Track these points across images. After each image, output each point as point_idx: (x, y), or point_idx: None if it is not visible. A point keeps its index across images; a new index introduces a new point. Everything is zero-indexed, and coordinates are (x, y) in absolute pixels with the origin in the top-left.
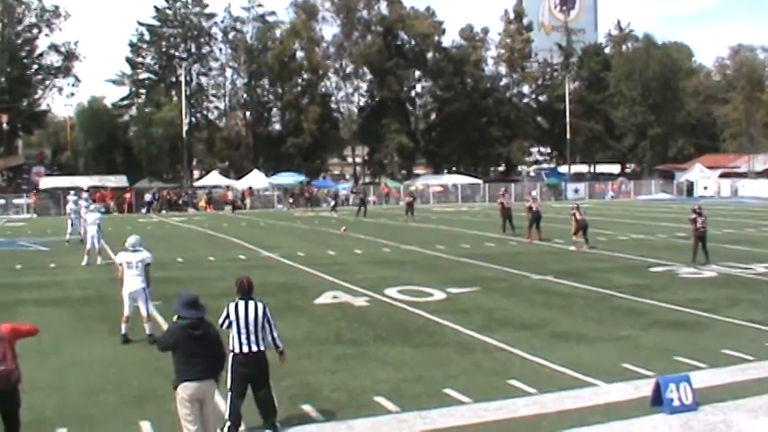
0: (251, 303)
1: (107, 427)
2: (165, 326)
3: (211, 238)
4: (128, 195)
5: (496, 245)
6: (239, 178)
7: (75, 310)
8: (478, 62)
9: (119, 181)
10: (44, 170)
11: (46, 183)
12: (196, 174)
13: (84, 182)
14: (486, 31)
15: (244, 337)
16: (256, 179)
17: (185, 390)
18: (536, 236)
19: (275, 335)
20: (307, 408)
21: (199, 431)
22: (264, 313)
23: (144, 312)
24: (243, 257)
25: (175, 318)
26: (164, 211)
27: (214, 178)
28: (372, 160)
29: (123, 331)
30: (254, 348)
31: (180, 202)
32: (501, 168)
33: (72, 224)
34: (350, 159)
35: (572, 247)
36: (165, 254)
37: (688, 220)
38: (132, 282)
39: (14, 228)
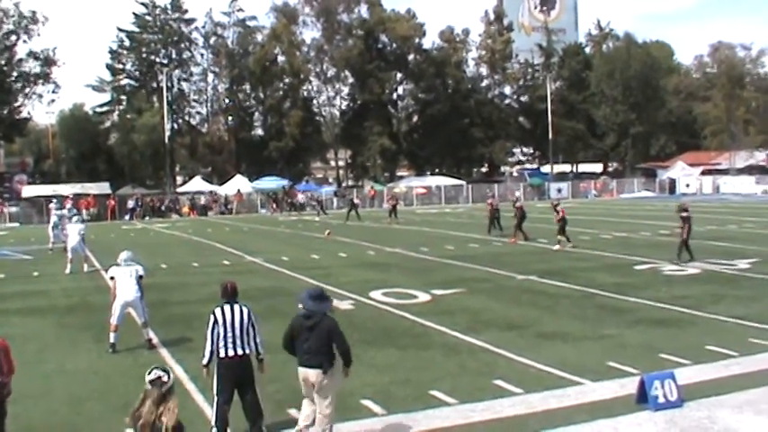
0: (236, 307)
1: None
2: (150, 333)
3: (195, 244)
4: (111, 202)
5: (480, 246)
6: (222, 183)
7: (60, 319)
8: (459, 63)
9: (101, 188)
10: (26, 178)
11: (28, 191)
12: (179, 179)
13: (67, 189)
14: (466, 32)
15: (230, 340)
16: (239, 184)
17: (299, 374)
18: (521, 237)
19: (258, 341)
20: (293, 412)
21: (314, 409)
22: (249, 317)
23: (140, 320)
24: (227, 263)
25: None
26: (147, 218)
27: (197, 184)
28: (355, 163)
29: (112, 340)
30: (240, 352)
31: (163, 208)
32: (484, 169)
33: (54, 233)
34: (333, 163)
35: (555, 246)
36: (149, 260)
37: (680, 218)
38: (127, 292)
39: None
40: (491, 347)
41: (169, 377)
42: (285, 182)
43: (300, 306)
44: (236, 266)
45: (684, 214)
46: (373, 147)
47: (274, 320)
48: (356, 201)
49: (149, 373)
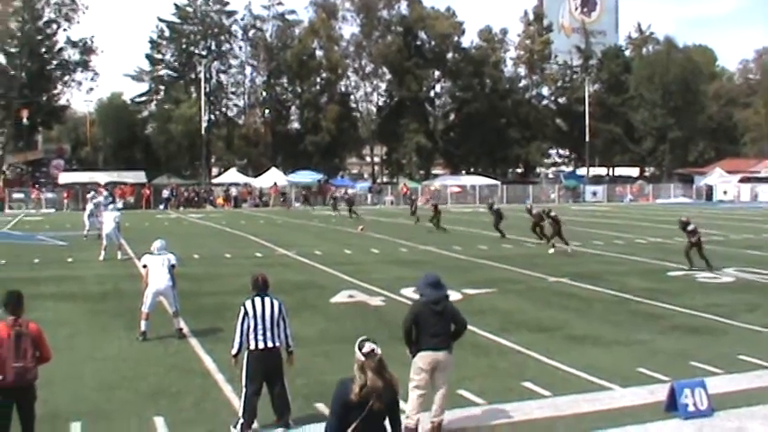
0: (267, 300)
1: (121, 422)
2: (181, 323)
3: (228, 236)
4: (146, 191)
5: (514, 246)
6: (257, 176)
7: (92, 306)
8: (498, 63)
9: (137, 177)
10: (63, 165)
11: (65, 178)
12: (214, 171)
13: (103, 177)
14: (504, 32)
15: (260, 333)
16: (274, 177)
17: (423, 359)
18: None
19: (288, 333)
20: (320, 406)
21: (426, 396)
22: (280, 310)
23: (171, 309)
24: (259, 255)
25: (418, 295)
26: (181, 208)
27: (232, 176)
28: (390, 160)
29: (143, 328)
30: (270, 344)
31: (197, 198)
32: (519, 170)
33: (90, 221)
34: (368, 159)
35: (551, 250)
36: (183, 250)
37: (687, 234)
38: (159, 280)
39: (33, 222)
40: (521, 349)
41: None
42: (320, 176)
43: (420, 294)
44: (268, 259)
45: (691, 227)
46: (409, 144)
47: (305, 314)
48: (413, 197)
49: (362, 347)
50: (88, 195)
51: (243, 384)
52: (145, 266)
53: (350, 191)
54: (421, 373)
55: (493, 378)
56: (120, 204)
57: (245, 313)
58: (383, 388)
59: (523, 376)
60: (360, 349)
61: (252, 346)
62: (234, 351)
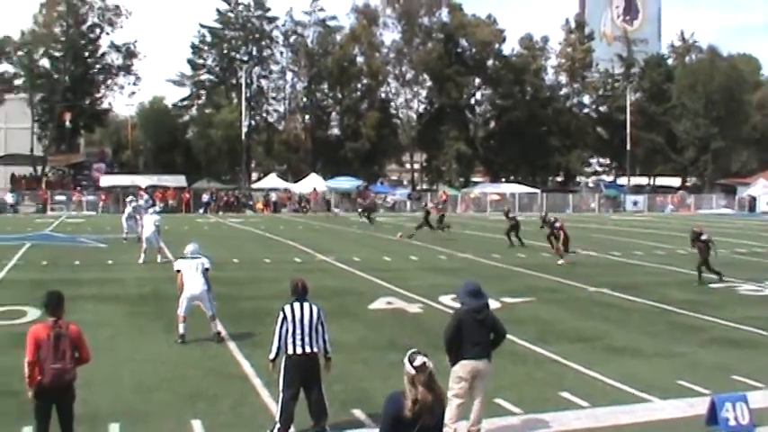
0: (306, 305)
1: (159, 424)
2: (219, 326)
3: (267, 241)
4: (186, 195)
5: (552, 255)
6: (297, 181)
7: (132, 308)
8: (538, 71)
9: (177, 181)
10: (104, 168)
11: (106, 181)
12: (254, 176)
13: (144, 181)
14: (546, 40)
15: (298, 338)
16: (314, 183)
17: (463, 368)
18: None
19: (326, 339)
20: (357, 412)
21: (464, 405)
22: (319, 316)
23: (209, 313)
24: (298, 260)
25: (459, 303)
26: (221, 212)
27: (272, 181)
28: (430, 167)
29: (181, 331)
30: (308, 350)
31: (237, 203)
32: (559, 178)
33: (128, 224)
34: (408, 166)
35: (561, 261)
36: (221, 254)
37: (698, 246)
38: (195, 285)
39: (74, 224)
40: (559, 359)
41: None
42: (360, 182)
43: (461, 303)
44: (307, 264)
45: (704, 237)
46: (449, 151)
47: (343, 320)
48: (430, 205)
49: (413, 361)
50: (127, 199)
51: (280, 389)
52: (179, 271)
53: (371, 197)
54: (461, 381)
55: (530, 387)
56: (158, 208)
57: (284, 318)
58: (434, 402)
59: (561, 386)
60: (411, 362)
61: (290, 351)
62: (272, 356)
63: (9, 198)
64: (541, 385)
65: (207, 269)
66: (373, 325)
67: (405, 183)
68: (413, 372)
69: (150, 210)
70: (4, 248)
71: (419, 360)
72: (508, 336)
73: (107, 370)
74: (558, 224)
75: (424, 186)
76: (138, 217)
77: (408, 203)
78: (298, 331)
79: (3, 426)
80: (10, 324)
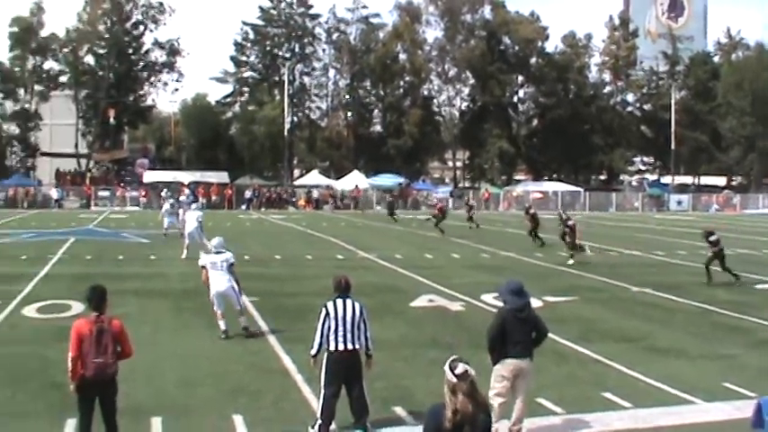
0: (348, 302)
1: (201, 419)
2: (261, 322)
3: (309, 237)
4: (228, 191)
5: (595, 254)
6: (339, 178)
7: (175, 303)
8: (582, 69)
9: (220, 177)
10: (148, 164)
11: (149, 176)
12: (296, 172)
13: (187, 177)
14: (589, 37)
15: (340, 334)
16: (356, 180)
17: (506, 367)
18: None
19: (368, 336)
20: (399, 410)
21: (506, 404)
22: (361, 312)
23: (237, 307)
24: (340, 257)
25: (501, 302)
26: (263, 209)
27: (314, 177)
28: (473, 165)
29: (223, 327)
30: (350, 347)
31: (279, 199)
32: (602, 177)
33: (168, 219)
34: (450, 163)
35: (570, 261)
36: (264, 251)
37: (710, 243)
38: (219, 282)
39: (118, 219)
40: (602, 358)
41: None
42: (402, 180)
43: (503, 301)
44: (349, 261)
45: (713, 238)
46: (492, 149)
47: (385, 318)
48: (471, 203)
49: (454, 368)
50: (162, 194)
51: (321, 385)
52: (203, 267)
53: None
54: (503, 380)
55: (572, 387)
56: (199, 204)
57: (327, 314)
58: (476, 412)
59: (604, 386)
60: (452, 370)
61: (332, 348)
62: (313, 352)
63: (54, 193)
64: (583, 385)
65: (232, 264)
66: (415, 322)
67: (447, 180)
68: (454, 380)
69: (192, 206)
70: (50, 243)
71: (461, 368)
72: (550, 335)
73: (149, 364)
74: (570, 222)
75: (467, 184)
76: (178, 212)
77: (451, 201)
78: (340, 328)
79: (48, 417)
80: (55, 318)
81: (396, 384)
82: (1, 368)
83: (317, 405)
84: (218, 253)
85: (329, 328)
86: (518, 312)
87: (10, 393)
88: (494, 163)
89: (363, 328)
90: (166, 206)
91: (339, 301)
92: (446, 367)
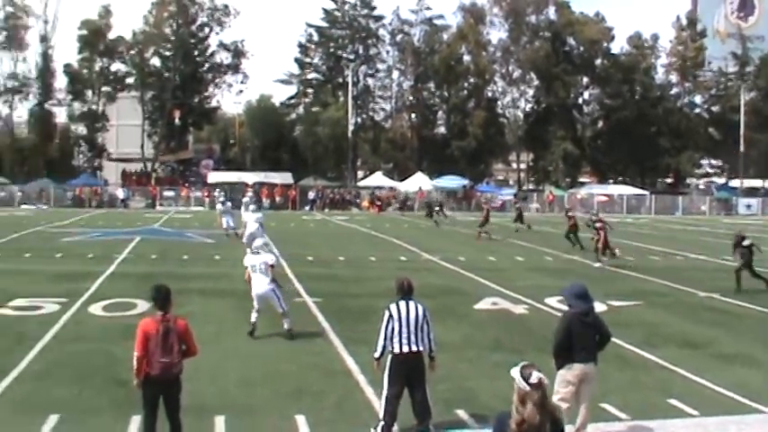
0: (411, 304)
1: (263, 419)
2: (324, 323)
3: (373, 239)
4: (292, 192)
5: (661, 258)
6: (403, 180)
7: (238, 303)
8: (648, 70)
9: (284, 178)
10: (212, 164)
11: (214, 177)
12: (360, 174)
13: (251, 178)
14: (656, 38)
15: (404, 336)
16: (420, 181)
17: (571, 371)
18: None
19: (431, 338)
20: (462, 413)
21: (570, 410)
22: (424, 314)
23: (279, 310)
24: (404, 259)
25: (566, 306)
26: (326, 210)
27: (378, 179)
28: (537, 167)
29: (252, 320)
30: (413, 348)
31: (343, 200)
32: (669, 180)
33: (225, 219)
34: (514, 165)
35: (597, 264)
36: (328, 252)
37: (738, 251)
38: (258, 284)
39: (182, 219)
40: (667, 364)
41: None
42: (466, 182)
43: (568, 305)
44: (412, 263)
45: (746, 243)
46: (556, 151)
47: (448, 320)
48: (519, 204)
49: (528, 377)
50: (215, 194)
51: (384, 387)
52: (247, 267)
53: (435, 195)
54: (568, 385)
55: (637, 393)
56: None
57: (390, 316)
58: (543, 422)
59: (669, 393)
60: (525, 379)
61: (395, 350)
62: (377, 354)
63: (120, 193)
64: (648, 391)
65: (271, 266)
66: (478, 325)
67: (511, 182)
68: (527, 389)
69: (251, 207)
70: (116, 242)
71: (535, 376)
72: (614, 339)
73: (213, 363)
74: (598, 224)
75: (530, 186)
76: (232, 212)
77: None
78: (404, 330)
79: (113, 414)
80: (120, 316)
81: (459, 386)
82: (68, 365)
83: (379, 406)
84: (256, 254)
85: (393, 330)
86: (583, 316)
87: (77, 390)
88: (558, 165)
89: (426, 330)
90: (219, 206)
91: (402, 304)
92: (516, 374)
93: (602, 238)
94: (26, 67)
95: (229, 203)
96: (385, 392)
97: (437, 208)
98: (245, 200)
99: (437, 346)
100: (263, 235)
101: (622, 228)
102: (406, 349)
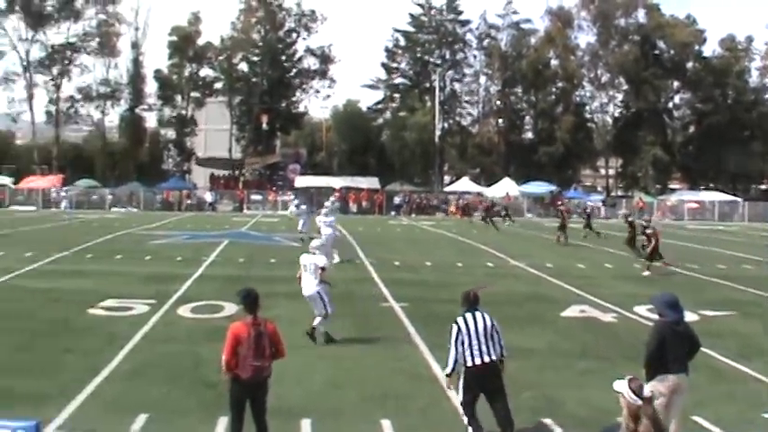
0: (478, 314)
1: (349, 422)
2: (410, 328)
3: (460, 244)
4: (379, 197)
5: (755, 267)
6: (490, 185)
7: None
8: (741, 73)
9: (370, 182)
10: (299, 169)
11: (301, 181)
12: (446, 179)
13: (338, 182)
14: (750, 40)
15: (476, 348)
16: (507, 187)
17: (664, 382)
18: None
19: (501, 344)
20: (548, 421)
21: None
22: (492, 323)
23: (321, 312)
24: (490, 265)
25: (657, 315)
26: (413, 215)
27: (464, 184)
28: (625, 173)
29: (322, 329)
30: (486, 359)
31: (429, 206)
32: (763, 186)
33: (300, 220)
34: (602, 171)
35: (646, 272)
36: (414, 257)
37: None
38: (307, 285)
39: (269, 223)
40: (763, 377)
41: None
42: (553, 187)
43: (659, 314)
44: (499, 269)
45: None
46: (645, 156)
47: (535, 326)
48: (590, 209)
49: (639, 390)
50: (288, 195)
51: (462, 401)
52: (300, 266)
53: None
54: (660, 397)
55: (730, 406)
56: (353, 208)
57: (459, 330)
58: None
59: (764, 407)
60: (636, 392)
61: (468, 363)
62: (448, 370)
63: (208, 197)
64: (743, 404)
65: (322, 268)
66: (565, 332)
67: (599, 189)
68: (639, 403)
69: (323, 211)
70: (204, 245)
71: (647, 389)
72: (706, 350)
73: (299, 366)
74: (649, 230)
75: (619, 192)
76: (307, 214)
77: (603, 210)
78: (474, 342)
79: (200, 415)
80: (208, 318)
81: (544, 394)
82: (157, 365)
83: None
84: (311, 254)
85: (463, 343)
86: (675, 326)
87: (165, 390)
88: (648, 171)
89: (497, 338)
90: (292, 208)
91: (469, 315)
92: (624, 388)
93: (654, 245)
94: (117, 74)
95: (304, 206)
96: (460, 399)
97: (503, 213)
98: (326, 204)
99: (507, 352)
100: (331, 239)
101: (712, 235)
102: (478, 361)
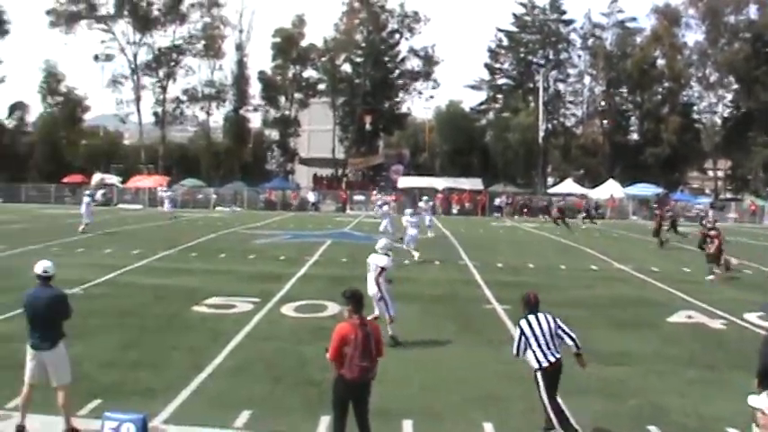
0: (540, 316)
1: (450, 424)
2: (514, 331)
3: (563, 247)
4: (481, 198)
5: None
6: (594, 187)
7: (424, 307)
8: None
9: (473, 183)
10: (402, 169)
11: (404, 182)
12: (550, 180)
13: (440, 183)
14: None
15: (545, 348)
16: (611, 189)
17: None
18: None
19: (573, 336)
20: (653, 429)
21: None
22: (555, 322)
23: (377, 311)
24: (594, 268)
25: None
26: (516, 216)
27: (568, 186)
28: (735, 175)
29: (390, 332)
30: (552, 359)
31: (532, 207)
32: None
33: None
34: (710, 173)
35: (710, 277)
36: (517, 259)
37: None
38: (369, 285)
39: (372, 223)
40: None
41: None
42: (659, 190)
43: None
44: (603, 272)
45: None
46: (756, 158)
47: (640, 331)
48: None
49: None
50: (373, 198)
51: (545, 403)
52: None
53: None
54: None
55: None
56: (454, 210)
57: (522, 332)
58: None
59: None
60: None
61: (543, 364)
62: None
63: (311, 197)
64: None
65: (382, 268)
66: (671, 338)
67: (707, 191)
68: None
69: (406, 211)
70: (307, 245)
71: None
72: None
73: (399, 368)
74: (712, 233)
75: (728, 195)
76: (388, 214)
77: (711, 213)
78: (541, 342)
79: (303, 413)
80: (312, 317)
81: (649, 401)
82: (260, 363)
83: (551, 415)
84: (373, 256)
85: (529, 346)
86: None
87: (269, 388)
88: (758, 173)
89: (563, 335)
90: (377, 209)
91: (532, 317)
92: (765, 404)
93: (717, 248)
94: (222, 75)
95: (386, 207)
96: (548, 408)
97: (583, 215)
98: (420, 204)
99: (581, 342)
100: (412, 240)
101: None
102: (545, 363)
